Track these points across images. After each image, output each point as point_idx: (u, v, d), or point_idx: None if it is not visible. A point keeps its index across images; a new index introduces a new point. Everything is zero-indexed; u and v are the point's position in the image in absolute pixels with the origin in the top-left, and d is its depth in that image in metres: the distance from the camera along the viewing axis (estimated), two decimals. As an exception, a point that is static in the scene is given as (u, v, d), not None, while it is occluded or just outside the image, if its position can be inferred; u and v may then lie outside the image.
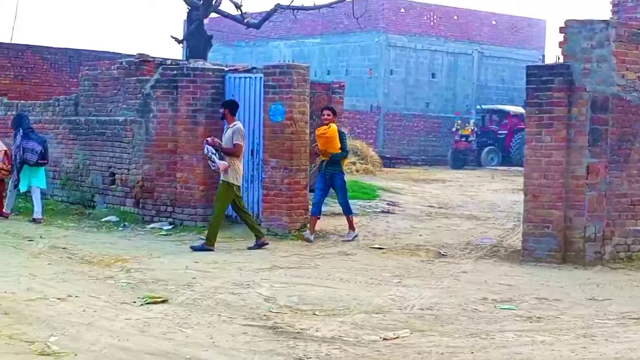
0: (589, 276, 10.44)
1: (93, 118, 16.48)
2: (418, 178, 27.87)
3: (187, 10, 26.18)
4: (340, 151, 13.21)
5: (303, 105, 13.54)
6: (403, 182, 25.06)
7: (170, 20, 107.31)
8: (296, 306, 8.48)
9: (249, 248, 12.22)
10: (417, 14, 40.87)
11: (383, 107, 39.61)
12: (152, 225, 14.31)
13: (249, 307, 8.38)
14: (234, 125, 12.31)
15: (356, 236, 13.23)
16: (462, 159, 36.87)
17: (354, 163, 27.86)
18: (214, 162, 12.16)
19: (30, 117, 17.78)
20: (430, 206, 18.55)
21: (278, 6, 27.44)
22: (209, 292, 9.04)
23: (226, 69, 14.76)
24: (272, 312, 8.19)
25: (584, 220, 11.08)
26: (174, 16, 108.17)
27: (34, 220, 14.76)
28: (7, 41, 29.19)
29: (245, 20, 27.55)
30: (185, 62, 17.16)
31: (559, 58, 11.71)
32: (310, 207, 13.39)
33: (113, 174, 15.67)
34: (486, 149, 37.03)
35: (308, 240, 12.68)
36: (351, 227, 13.31)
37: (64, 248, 11.99)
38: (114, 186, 15.62)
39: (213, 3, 26.22)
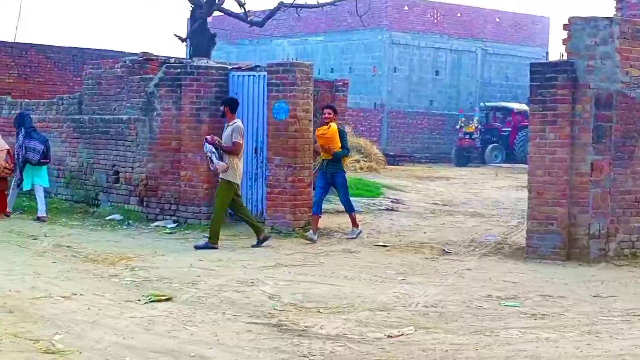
0: (593, 273, 10.44)
1: (97, 117, 16.49)
2: (422, 175, 27.86)
3: (191, 8, 26.20)
4: (341, 149, 13.15)
5: (307, 103, 13.54)
6: (407, 180, 25.05)
7: (173, 18, 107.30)
8: (300, 304, 8.48)
9: (253, 246, 12.22)
10: (420, 11, 40.85)
11: (387, 105, 39.60)
12: (156, 223, 14.32)
13: (253, 304, 8.38)
14: (234, 123, 12.31)
15: (360, 233, 13.23)
16: (466, 157, 36.86)
17: (357, 161, 27.85)
18: (212, 161, 12.17)
19: (34, 116, 17.82)
20: (434, 203, 18.54)
21: (281, 4, 27.44)
22: (213, 290, 9.05)
23: (230, 67, 14.76)
24: (276, 309, 8.19)
25: (588, 218, 11.07)
26: (177, 14, 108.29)
27: (38, 219, 14.78)
28: (11, 40, 29.23)
29: (249, 19, 27.55)
30: (189, 60, 17.18)
31: (562, 55, 11.69)
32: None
33: (117, 173, 15.69)
34: (490, 146, 37.02)
35: (311, 240, 12.66)
36: (354, 224, 13.31)
37: (68, 246, 12.01)
38: (118, 184, 15.64)
39: (216, 1, 26.24)
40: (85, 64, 18.38)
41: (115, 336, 6.99)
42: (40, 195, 15.11)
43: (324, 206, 13.86)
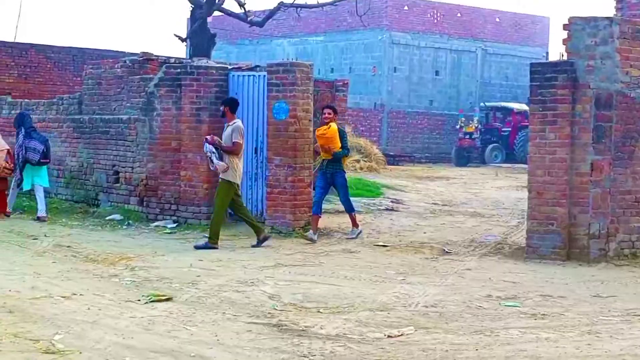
0: (593, 273, 10.44)
1: (97, 117, 16.50)
2: (422, 175, 27.86)
3: (191, 8, 26.21)
4: (341, 149, 13.13)
5: (307, 103, 13.54)
6: (407, 180, 25.05)
7: (173, 18, 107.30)
8: (300, 304, 8.48)
9: (253, 246, 12.22)
10: (420, 11, 40.85)
11: (387, 105, 39.60)
12: (156, 223, 14.32)
13: (253, 304, 8.38)
14: (234, 123, 12.30)
15: (360, 233, 13.23)
16: (466, 157, 36.87)
17: (357, 161, 27.85)
18: (212, 161, 12.18)
19: (34, 116, 17.83)
20: (434, 204, 18.54)
21: (281, 4, 27.45)
22: (213, 290, 9.05)
23: (230, 67, 14.77)
24: (276, 309, 8.19)
25: (588, 217, 11.07)
26: (177, 14, 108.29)
27: (39, 219, 14.79)
28: (11, 40, 29.23)
29: (249, 19, 27.56)
30: (189, 60, 17.18)
31: (562, 55, 11.69)
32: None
33: (117, 173, 15.69)
34: (490, 146, 37.03)
35: (312, 240, 12.65)
36: (354, 224, 13.31)
37: (68, 246, 12.01)
38: (118, 185, 15.64)
39: (216, 1, 26.25)
40: (85, 64, 18.39)
41: (115, 336, 6.99)
42: (40, 195, 15.11)
43: (324, 206, 13.86)
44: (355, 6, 29.74)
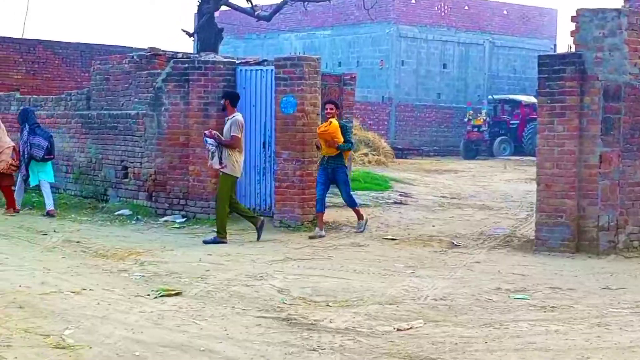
0: (602, 265, 10.42)
1: (105, 112, 16.52)
2: (430, 169, 27.85)
3: (198, 3, 26.22)
4: (345, 143, 12.97)
5: (314, 97, 13.52)
6: (415, 173, 25.05)
7: (181, 13, 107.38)
8: (310, 298, 8.49)
9: (258, 240, 12.24)
10: (427, 4, 40.79)
11: (394, 98, 39.57)
12: (165, 218, 14.34)
13: (262, 299, 8.39)
14: (233, 116, 12.29)
15: (366, 222, 13.21)
16: (474, 149, 36.84)
17: (366, 154, 27.88)
18: (212, 158, 12.21)
19: (42, 112, 17.91)
20: (443, 197, 18.53)
21: (288, -2, 27.44)
22: (222, 284, 9.06)
23: (237, 61, 14.76)
24: (285, 303, 8.20)
25: (597, 210, 11.05)
26: (184, 9, 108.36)
27: (48, 214, 14.84)
28: (19, 36, 29.30)
29: (256, 13, 27.57)
30: (197, 55, 17.20)
31: (570, 47, 11.66)
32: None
33: (125, 168, 15.71)
34: (498, 139, 36.99)
35: (320, 236, 12.60)
36: (359, 217, 13.25)
37: (77, 242, 12.04)
38: (126, 180, 15.66)
39: (223, -4, 26.24)
40: (93, 60, 18.42)
41: (125, 331, 7.01)
42: (46, 191, 15.18)
43: (333, 200, 13.87)
44: (362, 0, 29.70)
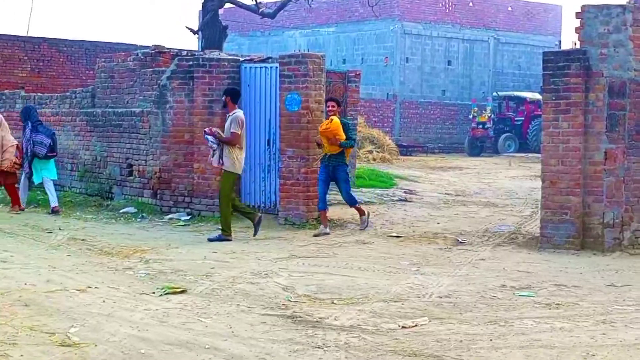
0: (607, 262, 10.41)
1: (110, 110, 16.54)
2: (435, 166, 27.85)
3: (202, 0, 26.20)
4: (347, 140, 12.92)
5: (319, 94, 13.52)
6: (420, 170, 25.05)
7: (185, 10, 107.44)
8: (314, 295, 8.49)
9: (255, 235, 12.24)
10: (432, 1, 40.76)
11: (399, 95, 39.55)
12: (169, 216, 14.35)
13: (267, 296, 8.39)
14: (233, 113, 12.28)
15: (368, 216, 13.20)
16: (479, 146, 36.82)
17: (370, 152, 27.89)
18: (213, 155, 12.24)
19: (47, 110, 17.94)
20: (448, 194, 18.53)
21: (293, -5, 27.41)
22: (227, 282, 9.06)
23: (242, 59, 14.77)
24: (290, 301, 8.20)
25: (602, 206, 11.03)
26: (189, 7, 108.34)
27: (53, 211, 14.87)
28: (24, 34, 29.34)
29: (260, 10, 27.54)
30: (201, 52, 17.20)
31: (575, 43, 11.64)
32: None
33: (130, 166, 15.73)
34: (503, 135, 36.97)
35: (325, 234, 12.58)
36: (361, 213, 13.22)
37: (82, 240, 12.05)
38: (131, 177, 15.68)
39: (228, -7, 26.22)
40: (98, 57, 18.45)
41: (130, 328, 7.02)
42: (50, 188, 15.24)
43: (339, 197, 13.86)
44: (366, -4, 29.68)
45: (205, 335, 6.88)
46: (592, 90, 11.09)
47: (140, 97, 15.77)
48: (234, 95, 12.46)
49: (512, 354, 6.41)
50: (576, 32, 11.36)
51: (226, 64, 14.29)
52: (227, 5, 27.70)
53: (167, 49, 16.71)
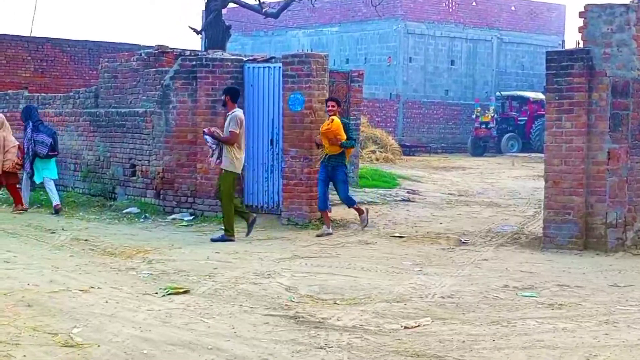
0: (610, 262, 10.40)
1: (113, 110, 16.55)
2: (438, 166, 27.85)
3: (206, 0, 26.21)
4: (347, 140, 12.88)
5: (322, 94, 13.52)
6: (423, 170, 25.04)
7: (188, 10, 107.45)
8: (317, 295, 8.49)
9: (247, 235, 12.24)
10: (435, 0, 40.72)
11: (402, 95, 39.52)
12: (173, 216, 14.36)
13: (270, 297, 8.40)
14: (233, 112, 12.27)
15: (367, 213, 13.19)
16: (482, 146, 36.79)
17: (373, 152, 27.89)
18: (212, 155, 12.25)
19: (50, 110, 17.96)
20: (451, 194, 18.52)
21: (296, -5, 27.40)
22: (230, 282, 9.07)
23: (245, 59, 14.77)
24: (293, 301, 8.21)
25: (605, 207, 11.02)
26: (192, 7, 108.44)
27: (55, 210, 14.91)
28: (27, 34, 29.38)
29: (264, 10, 27.55)
30: (204, 52, 17.21)
31: (578, 43, 11.63)
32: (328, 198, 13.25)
33: (134, 166, 15.74)
34: (506, 135, 36.94)
35: (328, 234, 12.56)
36: (360, 212, 13.18)
37: (85, 240, 12.06)
38: (134, 178, 15.69)
39: (231, -7, 26.23)
40: (101, 58, 18.45)
41: (133, 329, 7.02)
42: (50, 188, 15.29)
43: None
44: (369, -4, 29.67)
45: (208, 335, 6.89)
46: (595, 89, 11.08)
47: (144, 97, 15.78)
48: (233, 95, 12.45)
49: (515, 355, 6.41)
50: (579, 32, 11.35)
51: (229, 64, 14.29)
52: (231, 5, 27.71)
53: (171, 49, 16.72)
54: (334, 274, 9.62)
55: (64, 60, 27.25)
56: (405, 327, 7.20)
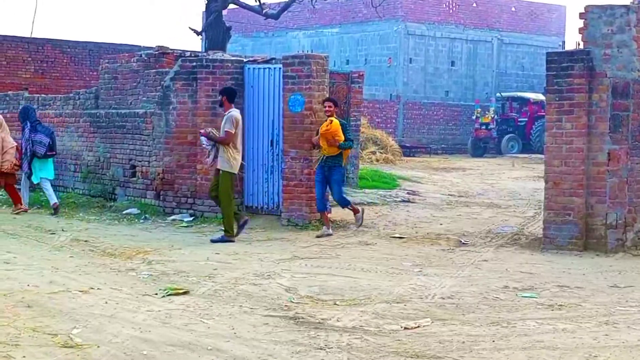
0: (610, 263, 10.39)
1: (113, 111, 16.55)
2: (438, 167, 27.85)
3: (206, 1, 26.21)
4: (345, 142, 12.86)
5: (322, 95, 13.51)
6: (423, 171, 25.05)
7: (188, 12, 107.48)
8: (317, 296, 8.49)
9: (236, 235, 12.22)
10: (435, 1, 40.73)
11: (402, 96, 39.53)
12: (172, 217, 14.36)
13: (270, 297, 8.40)
14: (229, 112, 12.28)
15: (363, 212, 13.15)
16: (482, 147, 36.81)
17: (373, 152, 27.89)
18: (208, 155, 12.26)
19: (51, 111, 17.97)
20: (451, 195, 18.52)
21: (296, -4, 27.40)
22: (230, 283, 9.07)
23: (245, 60, 14.77)
24: (293, 302, 8.21)
25: (606, 207, 11.02)
26: (192, 8, 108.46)
27: (55, 209, 14.94)
28: (28, 35, 29.40)
29: (264, 11, 27.55)
30: (204, 53, 17.21)
31: (579, 44, 11.63)
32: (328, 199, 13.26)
33: (134, 167, 15.74)
34: (506, 136, 36.96)
35: (327, 235, 12.55)
36: (355, 212, 13.13)
37: (85, 241, 12.06)
38: (134, 179, 15.69)
39: (231, -6, 26.23)
40: (101, 59, 18.45)
41: (133, 330, 7.02)
42: (47, 188, 15.36)
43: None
44: (370, -3, 29.68)
45: (208, 336, 6.89)
46: (595, 90, 11.08)
47: (144, 98, 15.77)
48: (230, 95, 12.46)
49: (515, 355, 6.40)
50: (580, 33, 11.35)
51: (230, 65, 14.29)
52: (231, 6, 27.72)
53: (171, 50, 16.71)
54: (334, 274, 9.61)
55: (64, 61, 27.26)
56: (405, 328, 7.20)
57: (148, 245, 11.63)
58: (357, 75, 18.86)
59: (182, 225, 13.80)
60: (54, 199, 15.18)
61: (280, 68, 13.78)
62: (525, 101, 37.94)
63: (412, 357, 6.37)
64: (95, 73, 23.03)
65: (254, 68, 14.25)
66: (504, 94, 39.40)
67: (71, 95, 18.28)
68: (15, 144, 15.50)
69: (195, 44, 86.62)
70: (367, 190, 17.62)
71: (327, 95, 13.64)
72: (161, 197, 14.91)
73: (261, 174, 14.05)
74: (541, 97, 34.02)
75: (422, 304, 8.15)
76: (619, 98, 11.04)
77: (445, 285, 9.01)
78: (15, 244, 11.69)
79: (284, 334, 6.99)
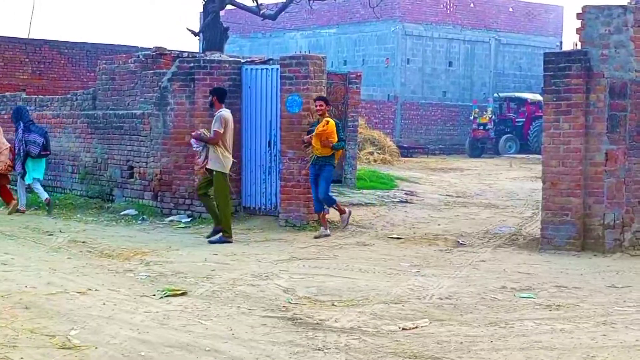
0: (608, 263, 10.40)
1: (111, 112, 16.53)
2: (436, 167, 27.86)
3: (203, 2, 26.21)
4: (338, 142, 12.73)
5: (320, 96, 13.49)
6: (421, 172, 25.05)
7: (186, 12, 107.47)
8: (315, 297, 8.49)
9: (207, 237, 12.25)
10: (433, 2, 40.74)
11: (400, 97, 39.53)
12: (170, 218, 14.35)
13: (268, 298, 8.39)
14: (218, 112, 12.27)
15: (349, 215, 13.15)
16: (480, 148, 36.83)
17: (371, 153, 27.89)
18: (199, 156, 12.26)
19: (48, 112, 17.97)
20: (448, 195, 18.52)
21: (293, -3, 27.40)
22: (228, 284, 9.06)
23: (243, 60, 14.76)
24: (291, 303, 8.20)
25: (603, 208, 11.03)
26: (190, 8, 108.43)
27: (48, 204, 14.99)
28: (25, 36, 29.39)
29: (261, 12, 27.55)
30: (202, 54, 17.19)
31: (576, 44, 11.63)
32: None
33: (131, 168, 15.73)
34: (504, 137, 36.98)
35: (325, 236, 12.53)
36: (341, 211, 13.07)
37: (83, 242, 12.05)
38: (132, 180, 15.68)
39: (228, -5, 26.22)
40: (99, 60, 18.44)
41: (131, 331, 7.02)
42: (38, 188, 15.49)
43: (341, 199, 13.85)
44: (367, -2, 29.68)
45: (206, 337, 6.88)
46: (593, 91, 11.09)
47: (141, 99, 15.77)
48: (220, 95, 12.45)
49: (513, 356, 6.41)
50: (577, 33, 11.35)
51: (227, 65, 14.29)
52: (228, 7, 27.71)
53: (168, 50, 16.69)
54: (332, 275, 9.61)
55: (62, 62, 27.24)
56: (403, 329, 7.20)
57: (146, 247, 11.63)
58: (354, 75, 18.84)
59: (179, 226, 13.80)
60: (45, 195, 15.32)
61: (277, 69, 13.77)
62: (522, 101, 37.96)
63: (410, 358, 6.37)
64: (92, 74, 23.00)
65: (251, 69, 14.25)
66: (501, 95, 39.42)
67: (69, 96, 18.27)
68: (9, 145, 15.51)
69: (192, 44, 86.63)
70: (364, 191, 17.62)
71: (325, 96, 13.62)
72: (159, 198, 14.90)
73: (259, 175, 14.05)
74: (539, 97, 34.07)
75: (420, 305, 8.15)
76: (616, 98, 11.05)
77: (443, 286, 9.01)
78: (12, 245, 11.68)
79: (282, 335, 6.99)
